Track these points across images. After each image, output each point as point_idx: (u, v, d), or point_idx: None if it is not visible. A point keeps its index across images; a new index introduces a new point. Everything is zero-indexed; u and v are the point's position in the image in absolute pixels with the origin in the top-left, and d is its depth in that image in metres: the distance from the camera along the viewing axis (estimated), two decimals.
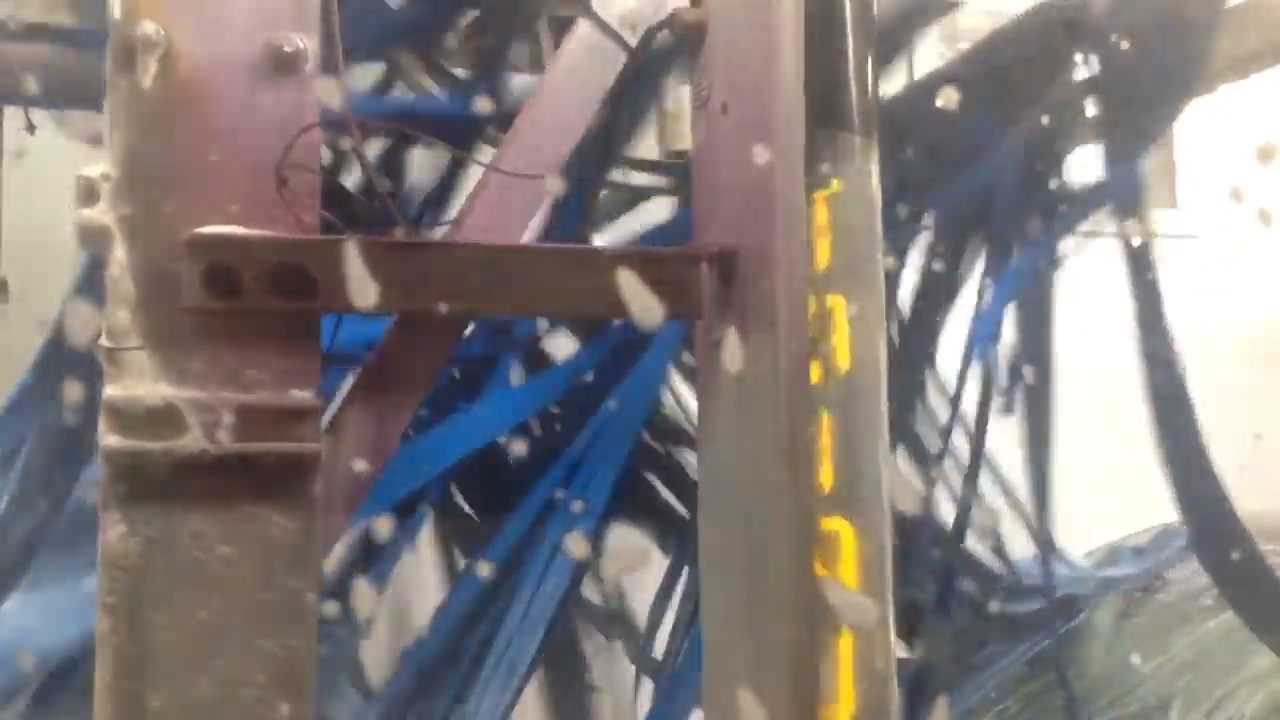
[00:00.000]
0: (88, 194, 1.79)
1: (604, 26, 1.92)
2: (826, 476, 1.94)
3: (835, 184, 1.97)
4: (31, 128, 4.59)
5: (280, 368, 1.83)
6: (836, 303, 1.95)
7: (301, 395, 1.83)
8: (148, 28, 1.78)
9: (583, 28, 1.95)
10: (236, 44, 1.82)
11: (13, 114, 4.53)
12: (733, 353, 1.90)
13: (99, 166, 1.80)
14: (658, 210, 3.13)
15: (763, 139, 1.87)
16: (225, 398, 1.79)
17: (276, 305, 1.81)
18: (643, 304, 1.87)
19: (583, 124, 1.95)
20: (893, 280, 2.79)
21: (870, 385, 1.98)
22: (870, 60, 2.03)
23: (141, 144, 1.80)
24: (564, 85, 1.95)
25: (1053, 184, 3.01)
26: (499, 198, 1.93)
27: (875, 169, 2.02)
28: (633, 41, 1.95)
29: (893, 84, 2.92)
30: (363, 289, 1.83)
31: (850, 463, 1.92)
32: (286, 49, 1.82)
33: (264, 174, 1.83)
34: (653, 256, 1.92)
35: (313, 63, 1.85)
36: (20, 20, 3.09)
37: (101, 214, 1.79)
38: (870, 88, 2.02)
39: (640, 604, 3.32)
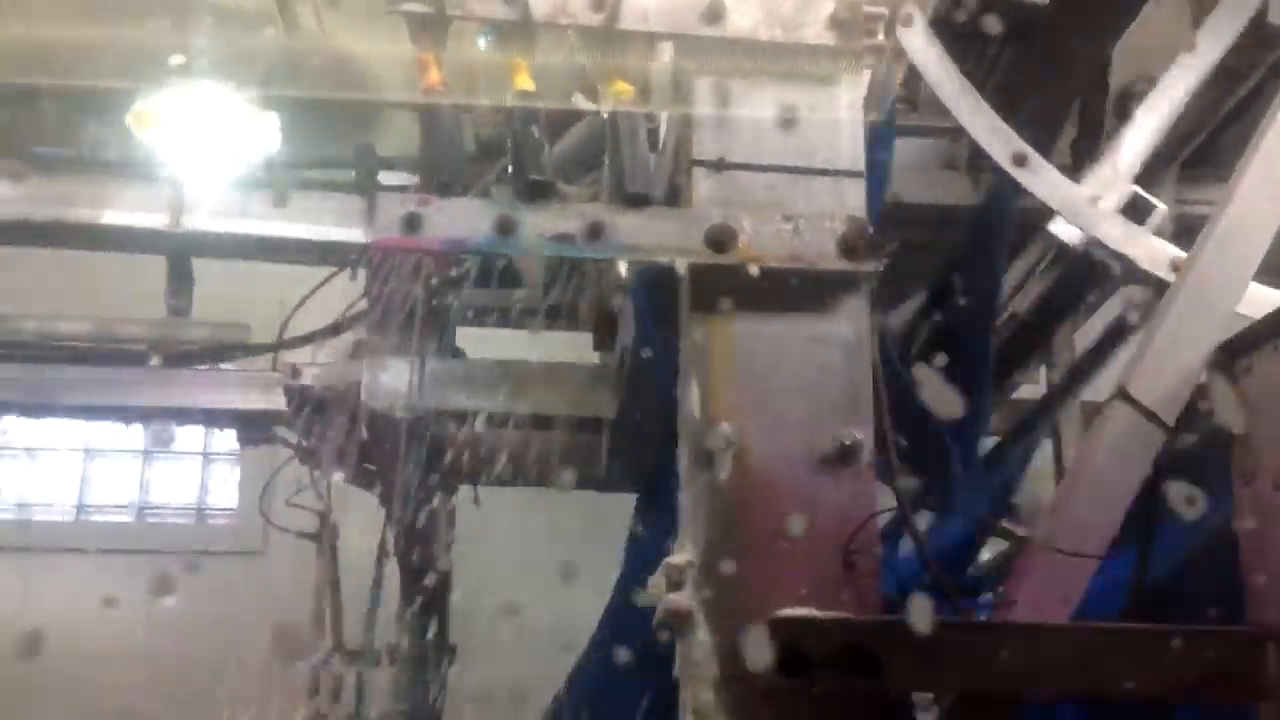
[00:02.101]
0: (674, 580, 1.96)
1: (1142, 409, 2.00)
2: None
3: None
4: (478, 501, 5.09)
5: None
6: None
7: None
8: (725, 429, 1.98)
9: (1117, 409, 2.03)
10: (800, 440, 2.00)
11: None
12: None
13: (685, 555, 1.97)
14: None
15: None
16: None
17: (844, 685, 1.88)
18: None
19: (1126, 502, 1.99)
20: None
21: None
22: None
23: (718, 534, 1.97)
24: (1106, 464, 2.01)
25: None
26: (1047, 575, 1.98)
27: None
28: (1170, 420, 2.00)
29: None
30: (925, 671, 1.88)
31: None
32: (846, 442, 1.98)
33: (827, 558, 1.95)
34: (1214, 636, 1.89)
35: (868, 454, 1.99)
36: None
37: (686, 599, 1.94)
38: None
39: None
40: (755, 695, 1.89)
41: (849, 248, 1.98)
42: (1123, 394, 2.03)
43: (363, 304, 4.12)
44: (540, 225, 1.96)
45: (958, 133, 3.20)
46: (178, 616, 5.64)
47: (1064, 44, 3.16)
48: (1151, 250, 2.64)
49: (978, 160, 3.26)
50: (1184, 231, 2.74)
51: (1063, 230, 2.74)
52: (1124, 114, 3.36)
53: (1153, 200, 2.71)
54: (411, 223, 1.92)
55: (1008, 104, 3.35)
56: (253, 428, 4.39)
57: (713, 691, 1.89)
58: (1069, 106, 3.37)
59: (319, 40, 5.10)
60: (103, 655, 5.81)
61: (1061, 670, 1.88)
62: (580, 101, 2.18)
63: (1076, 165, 3.24)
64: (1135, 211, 2.70)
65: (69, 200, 3.37)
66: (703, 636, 1.92)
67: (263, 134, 4.95)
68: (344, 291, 4.09)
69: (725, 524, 1.97)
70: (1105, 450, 2.03)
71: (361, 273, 4.10)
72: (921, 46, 2.39)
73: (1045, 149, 3.29)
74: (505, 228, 1.94)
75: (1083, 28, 3.17)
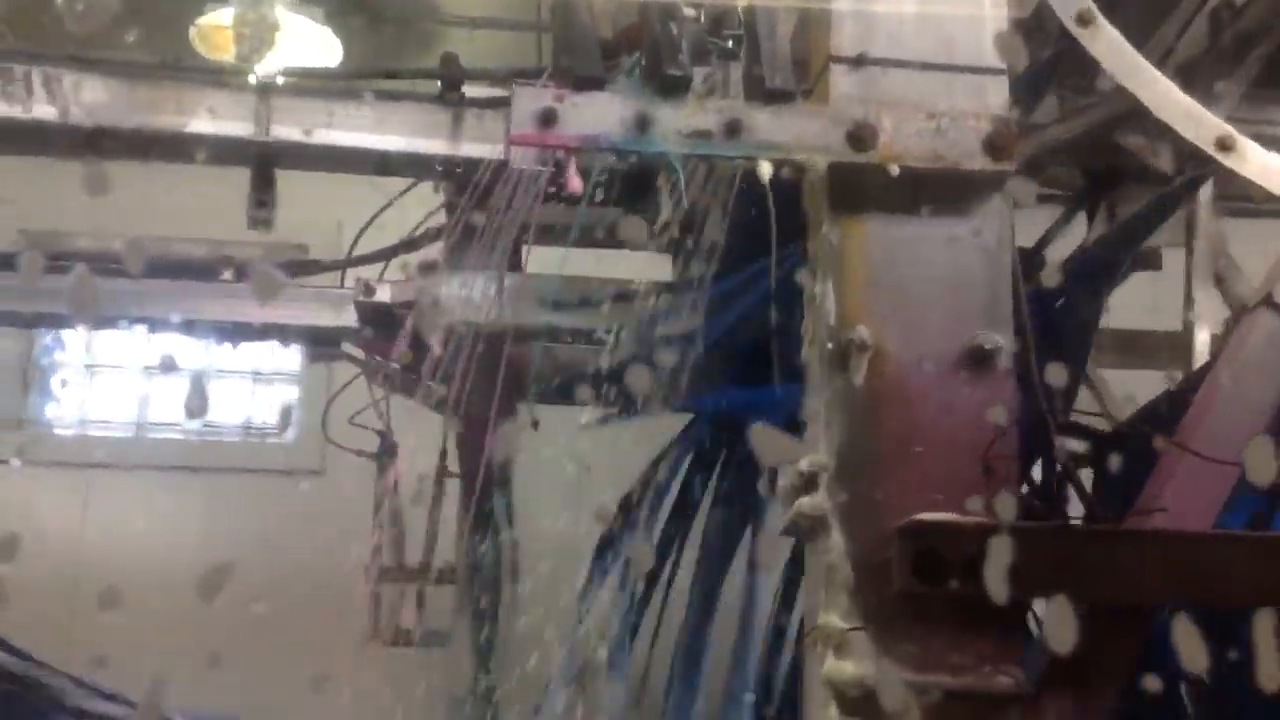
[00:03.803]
0: (807, 484, 1.94)
1: None
2: None
3: None
4: (536, 424, 5.09)
5: (985, 653, 1.88)
6: None
7: (1006, 682, 1.86)
8: (861, 333, 1.95)
9: (1261, 316, 1.99)
10: (937, 344, 1.97)
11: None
12: None
13: (819, 458, 1.95)
14: None
15: None
16: (936, 680, 1.85)
17: (979, 590, 1.86)
18: None
19: (1269, 408, 1.96)
20: None
21: None
22: None
23: (853, 437, 1.95)
24: (1248, 370, 1.98)
25: None
26: (1188, 482, 1.95)
27: None
28: None
29: None
30: (1061, 578, 1.86)
31: None
32: (986, 347, 1.95)
33: (963, 463, 1.93)
34: None
35: (1007, 359, 1.96)
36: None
37: (820, 502, 1.93)
38: None
39: None
40: (888, 599, 1.88)
41: (993, 147, 1.93)
42: (1268, 301, 1.99)
43: (430, 224, 4.10)
44: (677, 122, 1.92)
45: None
46: (236, 535, 5.67)
47: None
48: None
49: (1066, 80, 3.19)
50: None
51: None
52: (1219, 28, 3.25)
53: None
54: (547, 118, 1.88)
55: None
56: (322, 344, 4.40)
57: (849, 596, 1.88)
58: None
59: None
60: (160, 573, 5.85)
61: (1199, 579, 1.86)
62: None
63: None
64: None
65: (154, 108, 3.35)
66: (836, 539, 1.91)
67: (323, 47, 4.90)
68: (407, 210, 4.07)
69: (860, 428, 1.95)
70: (1248, 357, 2.00)
71: (419, 191, 4.09)
72: (1106, 45, 2.21)
73: None
74: (642, 124, 1.90)
75: None
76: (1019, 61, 1.97)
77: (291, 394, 6.37)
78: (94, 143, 3.24)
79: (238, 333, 4.19)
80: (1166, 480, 1.97)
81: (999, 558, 1.85)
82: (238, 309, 4.07)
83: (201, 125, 3.34)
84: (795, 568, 3.13)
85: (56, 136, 3.18)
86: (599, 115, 1.91)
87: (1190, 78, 3.08)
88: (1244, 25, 3.09)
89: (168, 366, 5.36)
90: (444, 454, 4.60)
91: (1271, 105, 3.24)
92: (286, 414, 5.45)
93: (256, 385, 6.39)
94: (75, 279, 2.41)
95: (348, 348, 4.31)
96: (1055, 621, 1.63)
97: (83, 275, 2.49)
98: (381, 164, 3.56)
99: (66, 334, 6.02)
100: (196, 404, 4.62)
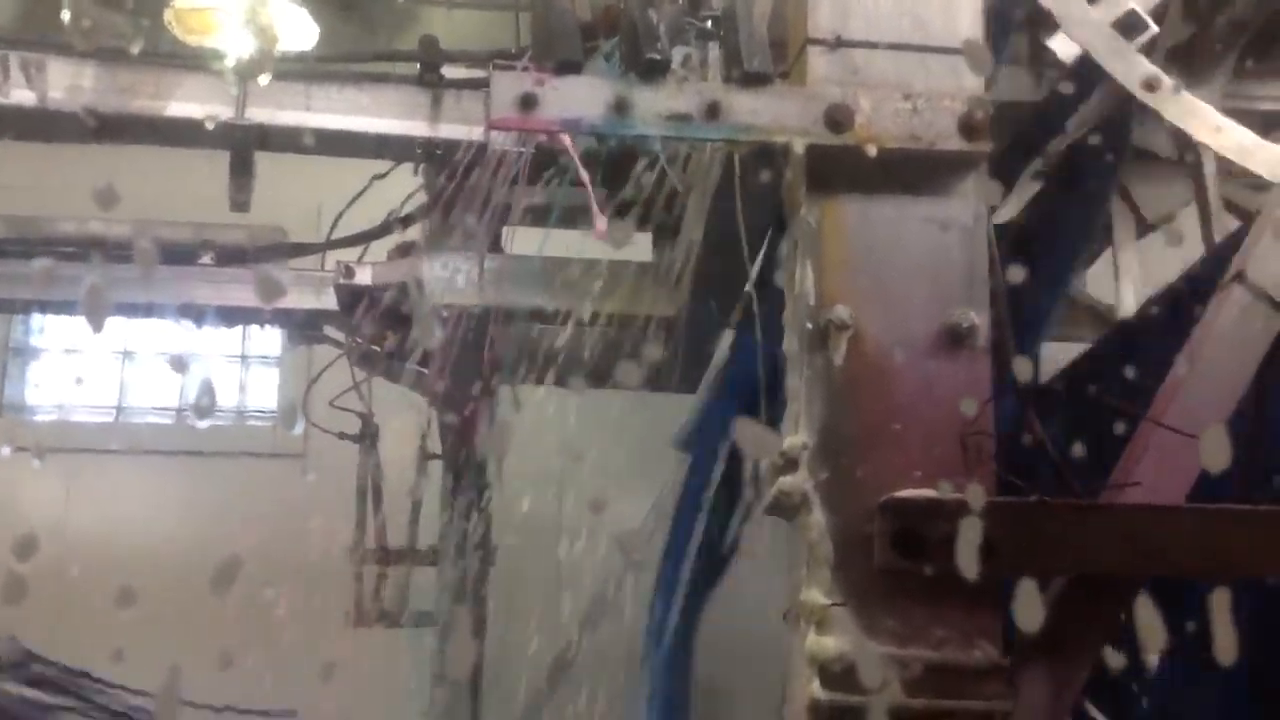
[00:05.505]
0: (788, 463, 1.97)
1: (1259, 292, 1.99)
2: None
3: None
4: (518, 406, 5.09)
5: (966, 627, 1.90)
6: None
7: (988, 654, 1.89)
8: (840, 312, 1.97)
9: (1234, 292, 2.02)
10: (916, 323, 1.99)
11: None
12: None
13: (799, 438, 1.97)
14: None
15: None
16: (917, 654, 1.88)
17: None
18: None
19: (1242, 384, 1.99)
20: None
21: None
22: None
23: (833, 416, 1.97)
24: (1221, 345, 2.01)
25: None
26: (1161, 457, 1.98)
27: None
28: None
29: None
30: (1040, 553, 1.90)
31: None
32: (963, 325, 1.97)
33: (943, 440, 1.95)
34: None
35: (984, 337, 1.98)
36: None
37: (800, 481, 1.95)
38: None
39: None
40: (869, 576, 1.91)
41: (969, 127, 1.95)
42: (1240, 277, 2.02)
43: (410, 206, 4.10)
44: (656, 104, 1.93)
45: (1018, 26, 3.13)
46: (218, 518, 5.67)
47: None
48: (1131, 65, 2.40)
49: (1041, 55, 3.21)
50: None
51: (1061, 46, 2.66)
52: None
53: (1147, 19, 2.46)
54: (527, 102, 1.89)
55: None
56: (303, 327, 4.40)
57: (830, 572, 1.91)
58: None
59: None
60: (143, 557, 5.85)
61: (1178, 552, 1.89)
62: None
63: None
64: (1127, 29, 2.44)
65: (132, 92, 3.35)
66: (817, 517, 1.93)
67: (299, 29, 4.86)
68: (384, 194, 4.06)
69: (839, 407, 1.97)
70: (1221, 332, 2.02)
71: (396, 175, 4.08)
72: None
73: None
74: (621, 107, 1.91)
75: None
76: (986, 70, 1.99)
77: (272, 377, 6.37)
78: (73, 127, 3.25)
79: (219, 316, 4.20)
80: (1140, 455, 2.00)
81: (977, 533, 1.89)
82: (219, 293, 4.07)
83: (180, 109, 3.35)
84: None
85: (36, 121, 3.18)
86: (579, 99, 1.91)
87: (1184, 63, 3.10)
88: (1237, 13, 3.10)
89: (179, 365, 5.34)
90: (425, 436, 4.61)
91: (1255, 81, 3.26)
92: (290, 412, 5.44)
93: (238, 368, 6.39)
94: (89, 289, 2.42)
95: (329, 330, 4.32)
96: (1023, 600, 1.66)
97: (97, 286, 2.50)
98: (360, 146, 3.57)
99: (43, 319, 6.02)
100: (206, 403, 4.62)
